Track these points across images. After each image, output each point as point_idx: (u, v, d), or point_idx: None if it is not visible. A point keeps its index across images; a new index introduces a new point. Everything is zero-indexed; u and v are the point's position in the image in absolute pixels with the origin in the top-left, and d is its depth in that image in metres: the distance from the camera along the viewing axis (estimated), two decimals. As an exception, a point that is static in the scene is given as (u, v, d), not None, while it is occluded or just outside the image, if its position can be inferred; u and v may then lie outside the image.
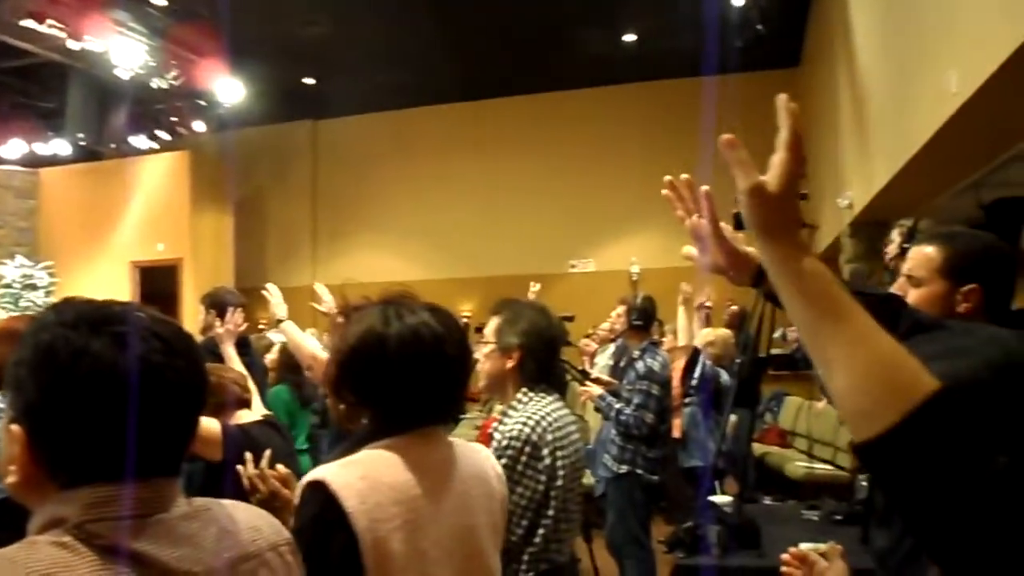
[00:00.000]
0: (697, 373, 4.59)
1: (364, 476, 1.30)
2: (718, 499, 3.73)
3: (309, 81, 11.79)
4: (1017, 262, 1.77)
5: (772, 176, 0.78)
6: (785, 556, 1.46)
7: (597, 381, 4.27)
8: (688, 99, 11.36)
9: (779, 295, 0.80)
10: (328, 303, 2.93)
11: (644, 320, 4.13)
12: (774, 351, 8.52)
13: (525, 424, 2.07)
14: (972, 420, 0.72)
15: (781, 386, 8.38)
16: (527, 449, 2.03)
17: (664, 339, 4.79)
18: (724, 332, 5.37)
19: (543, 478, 2.04)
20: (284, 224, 13.35)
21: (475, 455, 1.55)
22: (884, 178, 5.54)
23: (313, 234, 13.40)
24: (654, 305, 4.18)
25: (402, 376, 1.37)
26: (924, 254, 1.78)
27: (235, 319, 3.29)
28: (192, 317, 8.51)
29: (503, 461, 1.99)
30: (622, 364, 4.35)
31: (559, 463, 2.08)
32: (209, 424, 2.44)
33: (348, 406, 1.41)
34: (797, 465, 6.44)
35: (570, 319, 4.31)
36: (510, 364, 2.17)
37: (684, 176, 1.41)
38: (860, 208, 6.55)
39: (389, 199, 12.83)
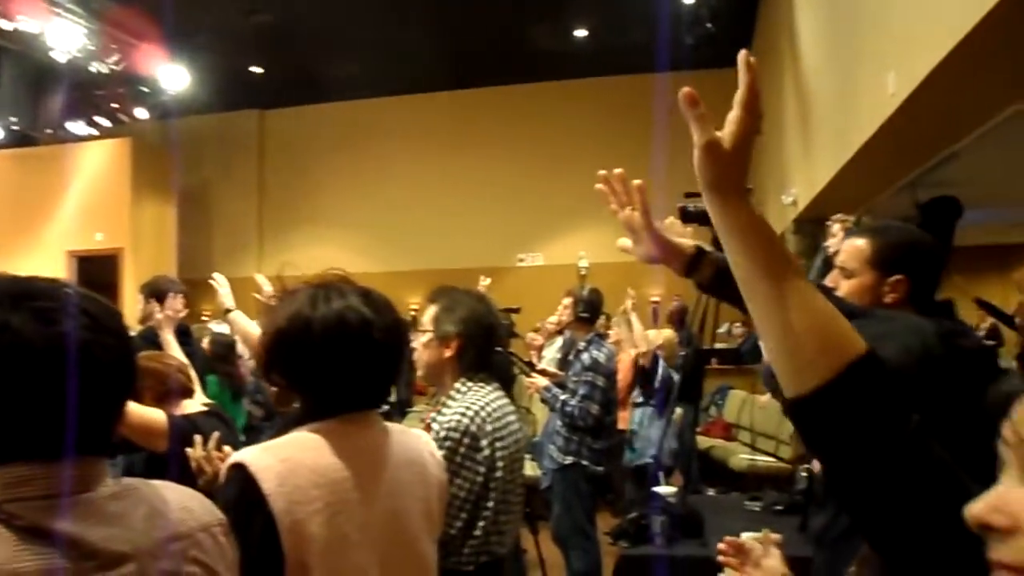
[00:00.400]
0: (660, 376, 4.64)
1: (285, 459, 1.29)
2: (663, 490, 3.78)
3: (256, 70, 11.57)
4: (943, 255, 1.84)
5: (727, 133, 0.79)
6: (721, 545, 1.45)
7: (543, 373, 4.29)
8: (639, 96, 11.43)
9: (725, 250, 0.82)
10: (269, 292, 2.89)
11: (590, 312, 4.15)
12: (719, 346, 8.72)
13: (463, 415, 2.04)
14: (894, 383, 0.75)
15: (726, 380, 8.52)
16: (466, 440, 2.00)
17: (611, 331, 4.81)
18: (668, 333, 5.44)
19: (482, 469, 2.02)
20: (229, 215, 13.09)
21: (412, 440, 1.54)
22: (826, 176, 5.66)
23: (259, 225, 13.16)
24: (601, 297, 4.21)
25: (327, 360, 1.35)
26: (855, 246, 1.85)
27: (175, 305, 3.21)
28: (133, 308, 8.27)
29: (441, 452, 1.95)
30: (570, 357, 4.37)
31: (498, 454, 2.06)
32: (154, 414, 2.38)
33: (279, 389, 1.41)
34: (740, 458, 6.55)
35: (515, 311, 4.31)
36: (448, 353, 2.13)
37: (617, 171, 1.48)
38: (804, 205, 6.69)
39: (337, 191, 12.68)
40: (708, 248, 1.54)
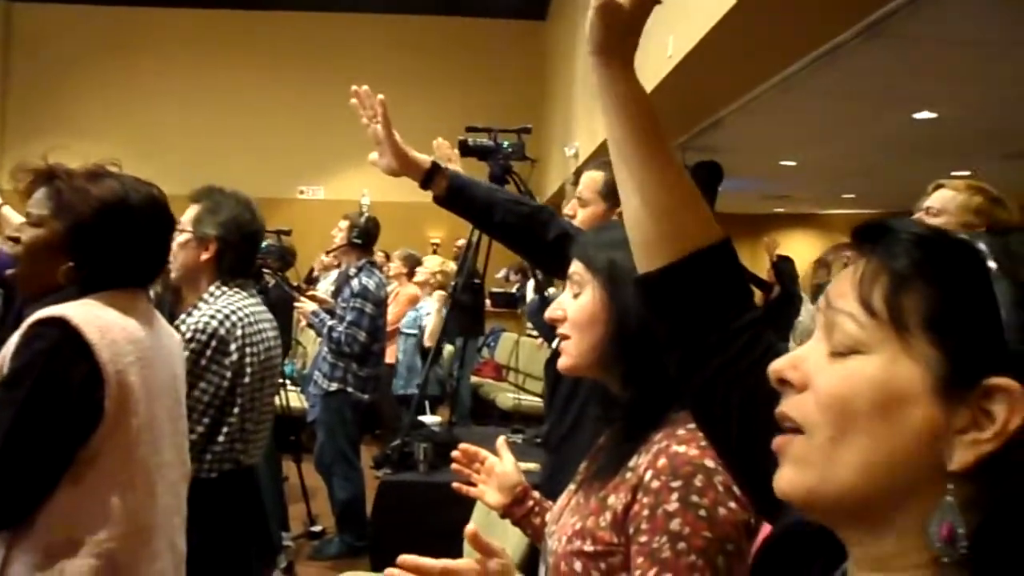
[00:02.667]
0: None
1: (99, 315, 1.37)
2: (427, 419, 3.82)
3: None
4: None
5: None
6: (455, 453, 1.45)
7: (312, 298, 4.14)
8: (433, 37, 11.32)
9: (605, 117, 0.82)
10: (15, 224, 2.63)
11: (364, 239, 4.04)
12: (495, 290, 8.94)
13: (213, 317, 1.97)
14: (741, 274, 0.79)
15: (499, 322, 8.76)
16: (213, 343, 1.94)
17: (390, 264, 4.73)
18: (450, 264, 5.46)
19: (228, 374, 1.97)
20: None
21: (160, 317, 1.60)
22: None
23: (1, 129, 11.56)
24: (377, 227, 4.11)
25: (142, 239, 1.46)
26: (591, 178, 2.02)
27: None
28: None
29: (186, 354, 1.89)
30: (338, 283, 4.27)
31: (248, 359, 2.01)
32: None
33: (67, 270, 1.42)
34: (508, 396, 6.78)
35: (287, 233, 4.10)
36: (205, 256, 2.05)
37: (365, 87, 1.72)
38: (584, 157, 6.96)
39: (99, 103, 11.30)
40: (443, 164, 1.75)
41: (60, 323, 1.31)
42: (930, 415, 0.53)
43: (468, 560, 1.02)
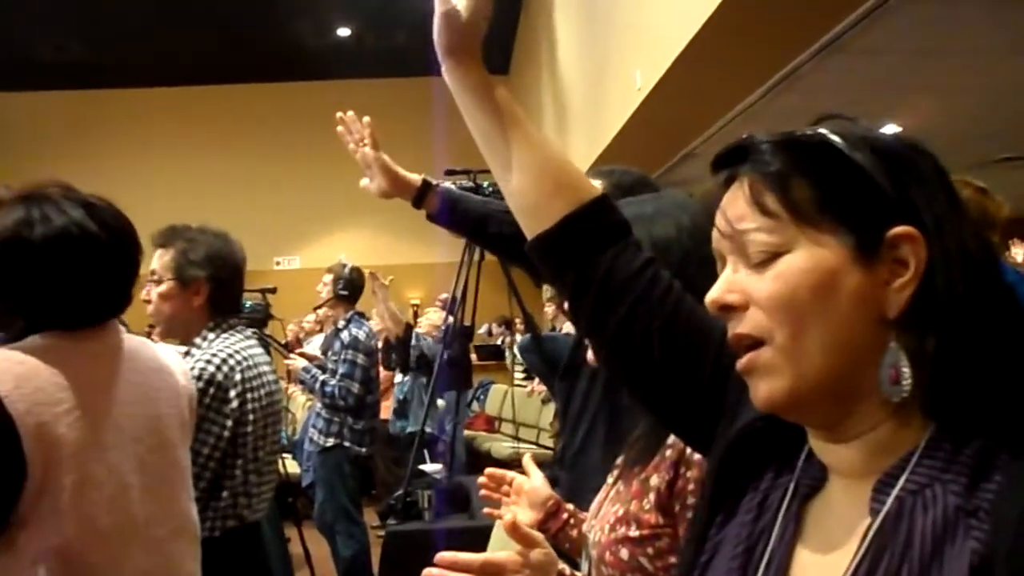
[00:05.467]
0: (416, 349, 4.59)
1: (21, 361, 1.20)
2: (427, 467, 3.74)
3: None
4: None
5: (464, 5, 0.86)
6: (481, 479, 1.40)
7: (302, 355, 4.09)
8: (404, 98, 11.45)
9: (465, 113, 0.88)
10: None
11: (350, 290, 4.01)
12: (480, 344, 8.91)
13: (209, 362, 1.83)
14: (625, 222, 0.84)
15: (487, 375, 8.70)
16: (211, 390, 1.80)
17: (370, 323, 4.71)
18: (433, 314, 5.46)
19: (229, 423, 1.83)
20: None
21: (151, 349, 1.45)
22: (583, 167, 5.98)
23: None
24: (362, 276, 4.07)
25: (52, 277, 1.26)
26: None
27: None
28: None
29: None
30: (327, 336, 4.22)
31: (250, 406, 1.87)
32: None
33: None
34: (504, 446, 6.69)
35: (271, 291, 4.06)
36: (198, 301, 1.92)
37: (350, 112, 1.74)
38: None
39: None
40: (433, 180, 1.74)
41: None
42: (858, 279, 0.59)
43: (509, 552, 0.97)
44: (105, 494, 1.24)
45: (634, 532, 0.98)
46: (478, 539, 2.26)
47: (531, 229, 0.85)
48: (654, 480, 1.00)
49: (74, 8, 9.00)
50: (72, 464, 1.19)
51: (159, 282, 1.93)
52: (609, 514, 1.04)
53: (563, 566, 0.98)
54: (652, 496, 0.99)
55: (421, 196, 1.69)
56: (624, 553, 0.98)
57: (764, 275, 0.61)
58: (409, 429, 5.06)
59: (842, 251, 0.59)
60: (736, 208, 0.63)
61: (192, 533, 1.44)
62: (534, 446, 6.76)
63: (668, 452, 1.00)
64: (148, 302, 1.94)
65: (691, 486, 0.95)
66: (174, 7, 9.18)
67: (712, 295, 0.64)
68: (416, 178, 1.70)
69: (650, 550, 0.97)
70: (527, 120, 0.87)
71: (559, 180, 0.84)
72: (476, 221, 1.71)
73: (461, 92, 0.88)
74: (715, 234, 0.66)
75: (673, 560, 0.95)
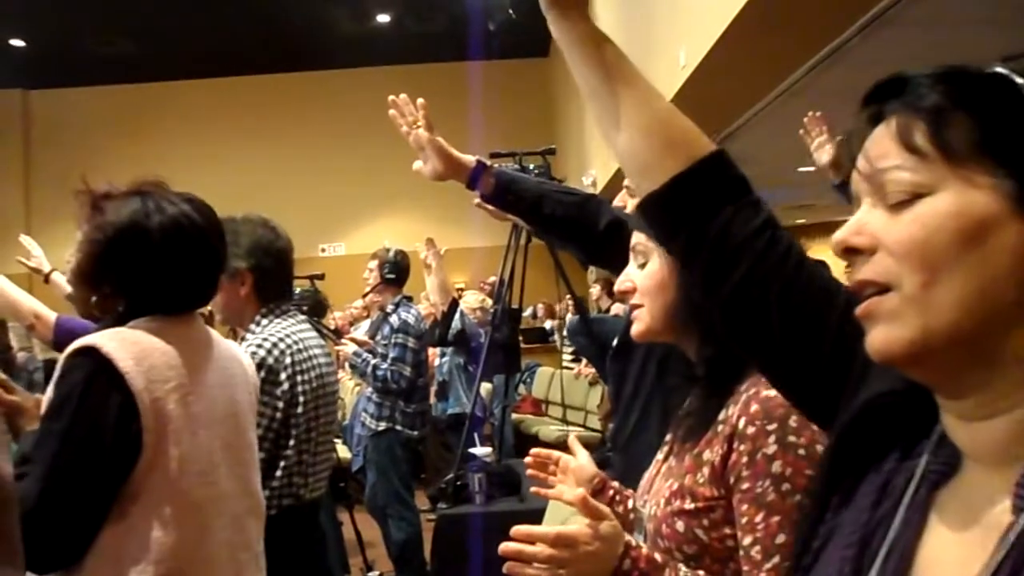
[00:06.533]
0: (456, 325, 4.59)
1: (135, 341, 1.30)
2: (478, 451, 3.77)
3: (17, 43, 10.37)
4: None
5: None
6: (528, 459, 1.43)
7: (352, 340, 4.13)
8: (443, 84, 11.44)
9: (572, 67, 0.85)
10: (38, 257, 2.82)
11: (396, 273, 4.04)
12: (523, 327, 8.94)
13: (260, 346, 1.92)
14: (744, 180, 0.78)
15: (533, 358, 8.74)
16: (261, 374, 1.86)
17: (418, 307, 4.73)
18: (489, 300, 5.46)
19: (280, 405, 1.90)
20: (-11, 203, 11.65)
21: (225, 342, 1.55)
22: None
23: (27, 217, 11.81)
24: (407, 259, 4.10)
25: (165, 265, 1.37)
26: None
27: None
28: None
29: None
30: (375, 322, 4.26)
31: (300, 388, 1.95)
32: None
33: (102, 296, 1.38)
34: (551, 429, 6.71)
35: (320, 277, 4.12)
36: (244, 290, 2.00)
37: (403, 96, 1.67)
38: (602, 185, 6.99)
39: (119, 179, 11.58)
40: (488, 161, 1.71)
41: (92, 352, 1.26)
42: (1016, 231, 0.52)
43: (579, 525, 1.00)
44: (198, 469, 1.33)
45: (689, 505, 1.02)
46: (528, 521, 2.26)
47: (642, 189, 0.80)
48: (707, 455, 1.03)
49: (121, 3, 9.16)
50: (177, 439, 1.29)
51: None
52: (663, 488, 1.07)
53: (629, 538, 1.01)
54: (706, 470, 1.02)
55: (475, 177, 1.67)
56: (680, 525, 1.02)
57: (900, 217, 0.56)
58: (450, 411, 5.08)
59: (999, 198, 0.53)
60: (880, 146, 0.58)
61: (261, 513, 1.53)
62: (582, 428, 6.77)
63: (720, 427, 1.03)
64: None
65: (744, 459, 0.98)
66: (210, 3, 9.30)
67: (838, 236, 0.59)
68: (470, 159, 1.68)
69: (705, 521, 1.01)
70: (638, 76, 0.82)
71: (670, 137, 0.79)
72: (531, 201, 1.68)
73: (566, 46, 0.84)
74: (854, 175, 0.60)
75: (728, 531, 1.00)
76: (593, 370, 6.51)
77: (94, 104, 11.72)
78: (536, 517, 2.24)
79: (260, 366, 1.87)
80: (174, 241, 1.36)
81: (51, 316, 2.35)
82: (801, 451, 0.95)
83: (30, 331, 2.77)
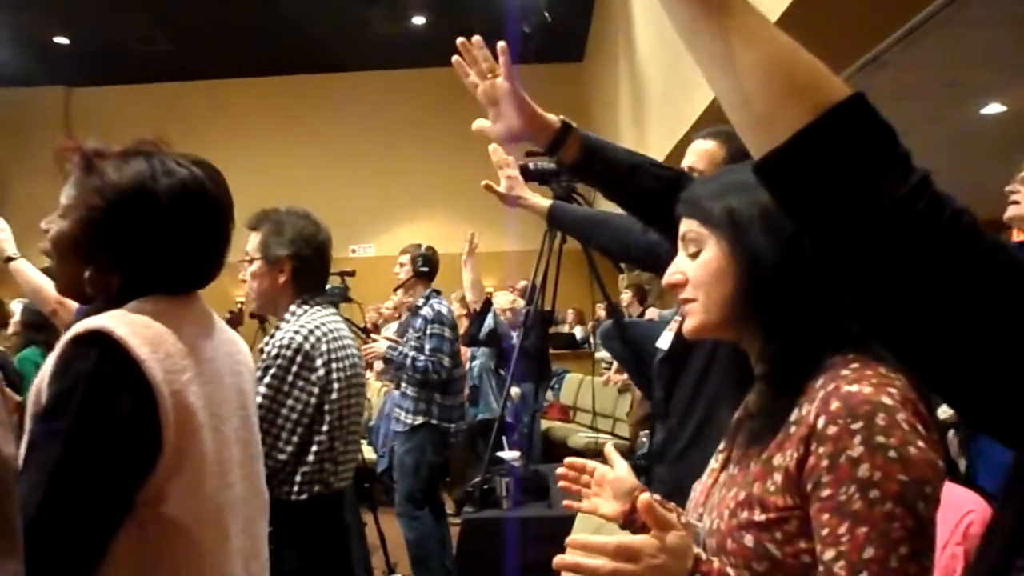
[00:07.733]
0: (489, 324, 4.54)
1: (148, 325, 1.10)
2: (505, 455, 3.70)
3: (61, 41, 10.53)
4: None
5: None
6: (561, 470, 1.31)
7: (386, 338, 4.09)
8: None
9: (663, 6, 0.67)
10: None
11: (429, 266, 4.00)
12: (554, 332, 8.86)
13: (297, 332, 1.95)
14: (889, 133, 0.60)
15: (561, 364, 8.66)
16: (299, 359, 1.92)
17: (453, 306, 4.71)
18: (520, 301, 5.41)
19: (315, 390, 1.93)
20: (29, 201, 11.79)
21: (225, 325, 1.37)
22: (659, 157, 5.85)
23: (65, 213, 12.01)
24: (436, 254, 4.07)
25: (173, 236, 1.16)
26: (705, 149, 1.83)
27: None
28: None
29: (272, 371, 1.88)
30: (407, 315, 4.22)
31: (334, 375, 1.98)
32: None
33: (95, 272, 1.16)
34: (580, 436, 6.63)
35: (350, 274, 4.09)
36: (283, 278, 2.03)
37: (476, 38, 1.37)
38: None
39: (157, 177, 11.77)
40: (574, 124, 1.47)
41: (101, 338, 1.05)
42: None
43: (644, 536, 0.90)
44: (222, 469, 1.17)
45: (759, 516, 0.91)
46: (557, 529, 2.20)
47: (759, 147, 0.62)
48: (778, 460, 0.91)
49: (162, 3, 9.27)
50: (200, 436, 1.12)
51: (251, 261, 2.07)
52: (727, 499, 0.96)
53: (698, 551, 0.91)
54: (778, 477, 0.90)
55: (559, 140, 1.43)
56: (749, 540, 0.91)
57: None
58: (480, 416, 5.03)
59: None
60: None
61: (267, 512, 1.36)
62: (610, 436, 6.68)
63: (793, 428, 0.91)
64: (245, 281, 2.09)
65: (824, 462, 0.86)
66: (245, 4, 9.36)
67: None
68: (555, 119, 1.44)
69: (778, 535, 0.90)
70: (746, 5, 0.63)
71: (792, 81, 0.60)
72: (625, 172, 1.48)
73: None
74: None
75: (804, 545, 0.88)
76: (623, 377, 6.41)
77: (134, 102, 11.86)
78: (564, 525, 2.17)
79: (297, 351, 1.92)
80: (185, 208, 1.16)
81: (73, 303, 2.31)
82: (892, 453, 0.83)
83: (52, 316, 2.76)
